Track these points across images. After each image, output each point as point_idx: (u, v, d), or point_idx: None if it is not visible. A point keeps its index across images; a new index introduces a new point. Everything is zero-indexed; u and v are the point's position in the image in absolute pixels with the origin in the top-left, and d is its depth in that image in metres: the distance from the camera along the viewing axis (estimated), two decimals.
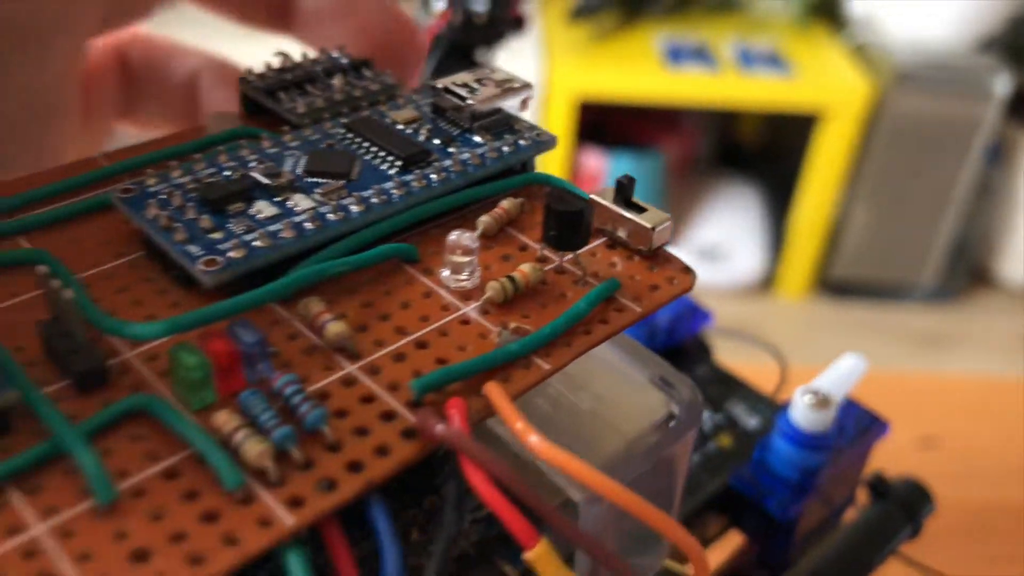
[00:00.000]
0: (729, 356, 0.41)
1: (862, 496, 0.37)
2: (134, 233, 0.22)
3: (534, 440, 0.17)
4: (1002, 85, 1.41)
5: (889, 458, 0.38)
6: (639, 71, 1.41)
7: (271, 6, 0.30)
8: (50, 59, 0.26)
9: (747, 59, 1.43)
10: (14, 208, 0.22)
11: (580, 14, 1.44)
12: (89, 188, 0.23)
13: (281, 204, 0.21)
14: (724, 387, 0.36)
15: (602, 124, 1.55)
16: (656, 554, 0.27)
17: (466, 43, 0.41)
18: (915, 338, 1.53)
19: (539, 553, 0.17)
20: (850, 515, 0.37)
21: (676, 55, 1.42)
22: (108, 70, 0.32)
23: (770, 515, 0.31)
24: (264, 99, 0.25)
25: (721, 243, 1.60)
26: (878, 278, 1.59)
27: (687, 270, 0.22)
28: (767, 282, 1.61)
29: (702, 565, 0.17)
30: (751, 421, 0.35)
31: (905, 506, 0.36)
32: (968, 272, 1.65)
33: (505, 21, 0.42)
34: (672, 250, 0.23)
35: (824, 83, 1.42)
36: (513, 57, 0.74)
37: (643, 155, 1.54)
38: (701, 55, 1.43)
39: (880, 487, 0.36)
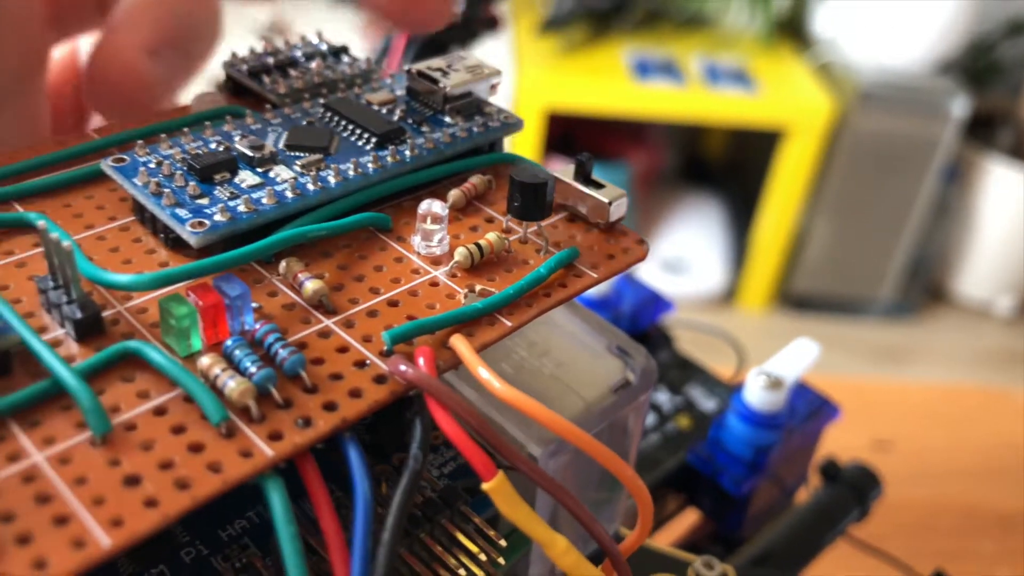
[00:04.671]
0: (690, 351, 0.42)
1: (814, 480, 0.39)
2: (124, 200, 0.23)
3: (498, 386, 0.18)
4: (960, 107, 1.45)
5: (844, 459, 0.39)
6: (607, 84, 1.43)
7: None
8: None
9: (714, 75, 1.46)
10: (8, 175, 0.23)
11: (550, 27, 1.46)
12: (81, 160, 0.24)
13: (264, 174, 0.22)
14: (684, 371, 0.38)
15: (570, 136, 1.57)
16: (607, 520, 0.28)
17: (441, 41, 0.42)
18: (872, 352, 1.56)
19: (496, 484, 0.18)
20: (802, 496, 0.38)
21: (644, 69, 1.45)
22: (67, 82, 0.32)
23: (725, 491, 0.33)
24: (247, 80, 0.26)
25: (684, 255, 1.62)
26: (837, 293, 1.62)
27: (641, 242, 0.24)
28: (729, 294, 1.64)
29: (645, 504, 0.19)
30: (708, 404, 0.37)
31: (855, 489, 0.38)
32: (925, 289, 1.68)
33: (480, 21, 0.44)
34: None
35: (788, 100, 1.45)
36: None
37: (610, 167, 1.57)
38: (668, 70, 1.46)
39: (831, 471, 0.38)
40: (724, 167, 1.80)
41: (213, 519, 0.22)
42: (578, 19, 1.50)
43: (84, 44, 0.33)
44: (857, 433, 0.59)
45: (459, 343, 0.19)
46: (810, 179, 1.49)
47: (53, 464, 0.16)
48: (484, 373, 0.18)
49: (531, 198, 0.22)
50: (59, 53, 0.32)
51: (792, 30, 1.62)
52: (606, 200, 0.23)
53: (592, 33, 1.52)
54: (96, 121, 0.32)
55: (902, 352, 1.57)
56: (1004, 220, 1.58)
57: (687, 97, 1.42)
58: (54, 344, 0.19)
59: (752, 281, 1.60)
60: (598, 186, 0.24)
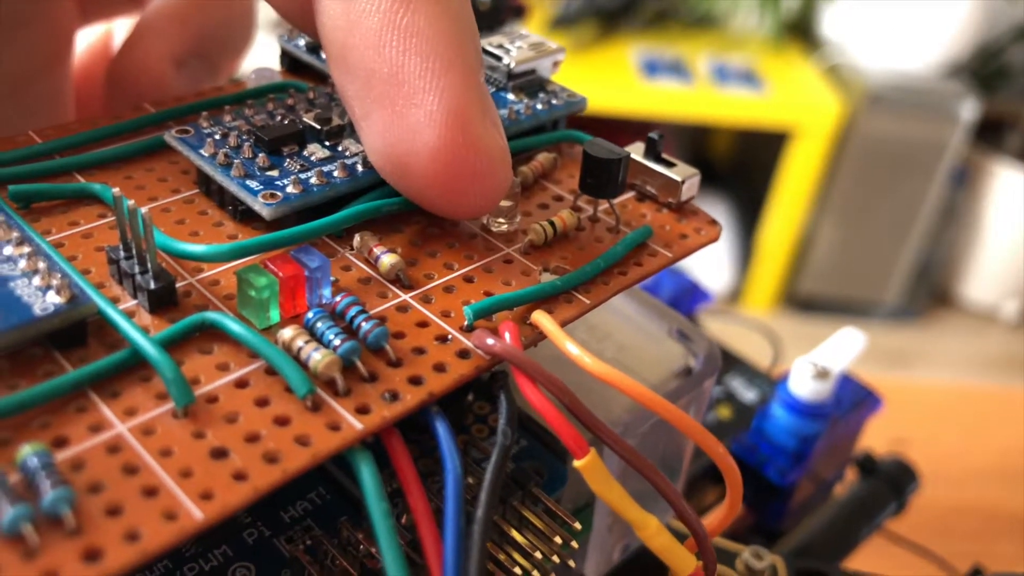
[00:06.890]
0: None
1: (851, 475, 0.38)
2: (186, 172, 0.22)
3: (589, 361, 0.18)
4: (968, 110, 1.45)
5: None
6: (615, 83, 1.43)
7: None
8: (28, 47, 0.27)
9: (722, 75, 1.46)
10: (65, 147, 0.23)
11: (559, 25, 1.46)
12: (137, 133, 0.24)
13: (333, 148, 0.22)
14: (724, 362, 0.38)
15: None
16: (661, 511, 0.28)
17: None
18: (878, 355, 1.56)
19: (589, 462, 0.18)
20: (838, 491, 0.38)
21: (652, 69, 1.45)
22: (98, 65, 0.32)
23: (768, 481, 0.33)
24: (306, 56, 0.26)
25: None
26: (843, 295, 1.62)
27: (713, 222, 0.23)
28: (735, 296, 1.63)
29: (735, 483, 0.19)
30: (749, 394, 0.36)
31: (892, 482, 0.37)
32: (931, 293, 1.68)
33: (507, 8, 0.43)
34: None
35: (796, 102, 1.45)
36: None
37: None
38: (677, 70, 1.45)
39: (868, 464, 0.38)
40: (731, 168, 1.80)
41: (274, 501, 0.22)
42: (587, 18, 1.49)
43: (119, 28, 0.33)
44: (873, 433, 0.59)
45: (543, 319, 0.19)
46: (817, 181, 1.49)
47: (136, 435, 0.16)
48: (573, 348, 0.18)
49: (606, 175, 0.22)
50: (92, 37, 0.32)
51: (801, 31, 1.62)
52: (679, 179, 0.23)
53: (601, 32, 1.52)
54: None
55: (907, 356, 1.57)
56: (1012, 224, 1.58)
57: (695, 97, 1.42)
58: (128, 315, 0.18)
59: (758, 282, 1.59)
60: (669, 164, 0.23)
